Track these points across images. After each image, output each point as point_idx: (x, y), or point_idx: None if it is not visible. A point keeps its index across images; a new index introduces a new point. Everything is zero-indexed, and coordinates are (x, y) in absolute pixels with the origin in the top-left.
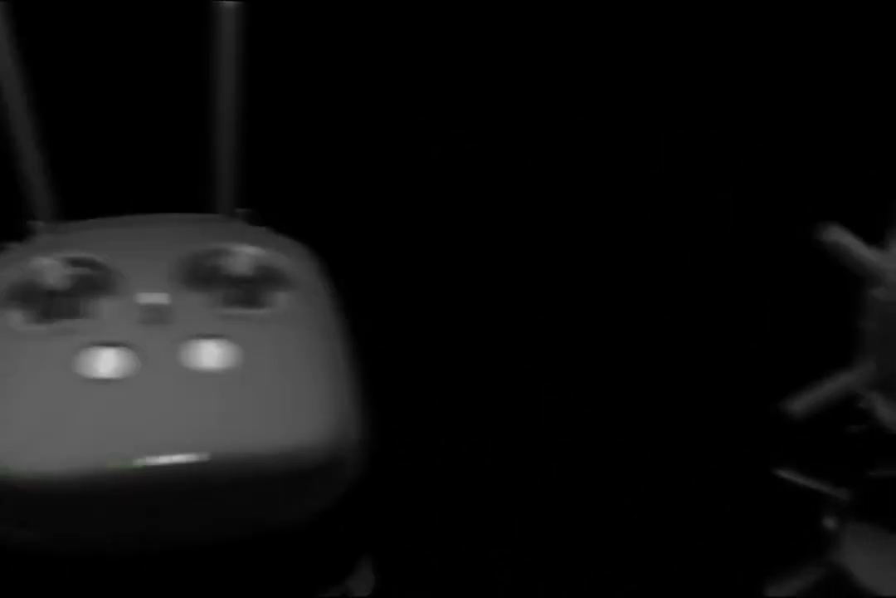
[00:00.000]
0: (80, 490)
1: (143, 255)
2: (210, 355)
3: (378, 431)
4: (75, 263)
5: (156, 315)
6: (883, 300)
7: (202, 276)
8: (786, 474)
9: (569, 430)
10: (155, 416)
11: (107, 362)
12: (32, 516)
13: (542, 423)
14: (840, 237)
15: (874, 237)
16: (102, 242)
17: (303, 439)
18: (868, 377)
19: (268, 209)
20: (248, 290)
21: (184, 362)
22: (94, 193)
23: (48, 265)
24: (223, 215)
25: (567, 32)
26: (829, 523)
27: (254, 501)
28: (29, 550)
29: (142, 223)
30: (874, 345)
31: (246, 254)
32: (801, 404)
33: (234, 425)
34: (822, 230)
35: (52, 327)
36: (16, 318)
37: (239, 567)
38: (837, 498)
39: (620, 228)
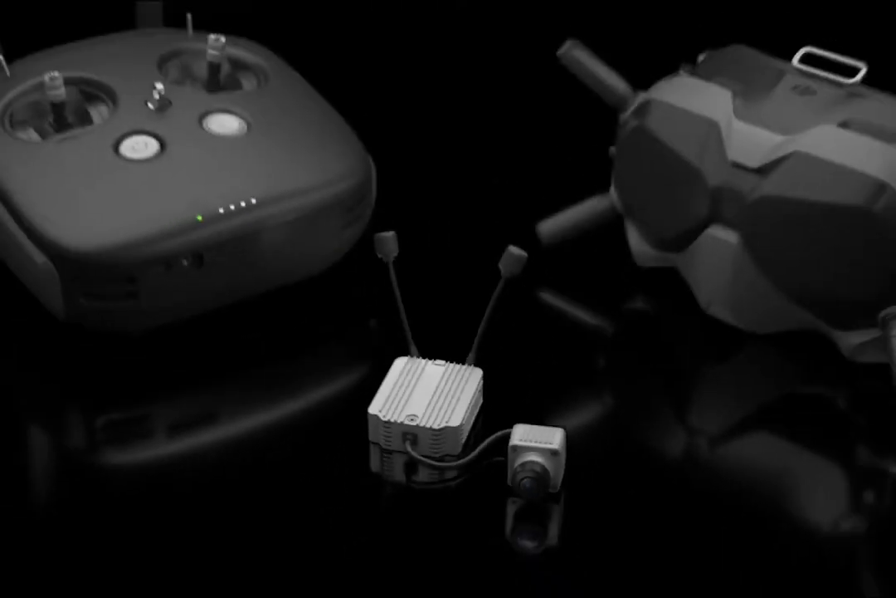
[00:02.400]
0: (159, 250)
1: (123, 65)
2: (224, 125)
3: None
4: (69, 81)
5: (164, 103)
6: (625, 125)
7: (180, 73)
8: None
9: None
10: (199, 179)
11: (139, 146)
12: (105, 286)
13: None
14: (584, 58)
15: None
16: (81, 61)
17: (334, 170)
18: (614, 202)
19: None
20: (223, 77)
21: (205, 133)
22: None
23: (48, 82)
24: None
25: None
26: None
27: (309, 240)
28: (117, 325)
29: (102, 43)
30: (619, 169)
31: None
32: (549, 226)
33: (269, 174)
34: (565, 49)
35: (73, 132)
36: (31, 134)
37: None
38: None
39: None
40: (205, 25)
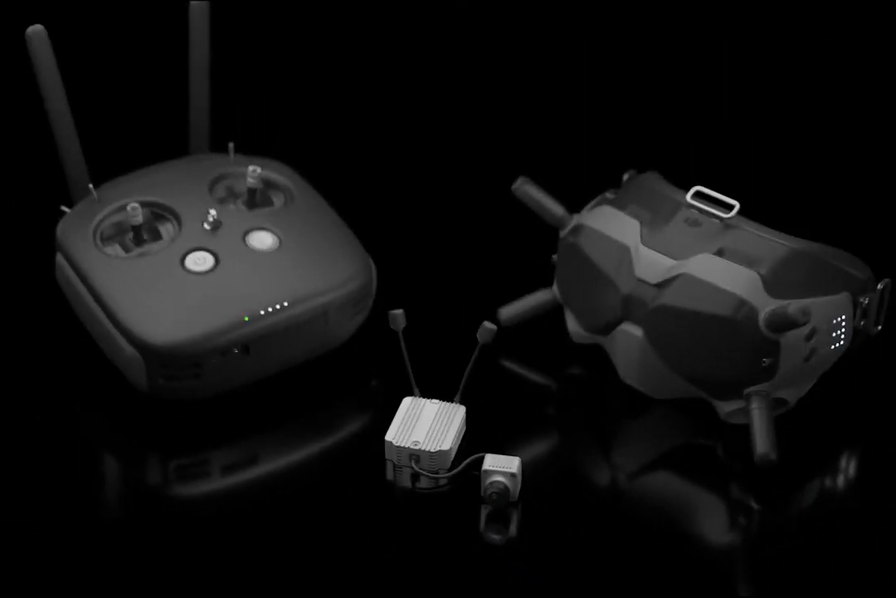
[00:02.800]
0: (217, 343)
1: (183, 188)
2: (262, 241)
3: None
4: (143, 205)
5: (216, 224)
6: (563, 240)
7: (225, 192)
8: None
9: None
10: (245, 288)
11: (199, 260)
12: (178, 370)
13: None
14: (532, 191)
15: None
16: (151, 186)
17: (345, 274)
18: (556, 296)
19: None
20: (258, 195)
21: (247, 249)
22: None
23: (130, 210)
24: (206, 153)
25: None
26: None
27: (327, 328)
28: (186, 396)
29: (165, 169)
30: (559, 273)
31: (247, 172)
32: (507, 311)
33: (296, 281)
34: (518, 184)
35: (149, 248)
36: (117, 249)
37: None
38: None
39: None
40: (237, 141)
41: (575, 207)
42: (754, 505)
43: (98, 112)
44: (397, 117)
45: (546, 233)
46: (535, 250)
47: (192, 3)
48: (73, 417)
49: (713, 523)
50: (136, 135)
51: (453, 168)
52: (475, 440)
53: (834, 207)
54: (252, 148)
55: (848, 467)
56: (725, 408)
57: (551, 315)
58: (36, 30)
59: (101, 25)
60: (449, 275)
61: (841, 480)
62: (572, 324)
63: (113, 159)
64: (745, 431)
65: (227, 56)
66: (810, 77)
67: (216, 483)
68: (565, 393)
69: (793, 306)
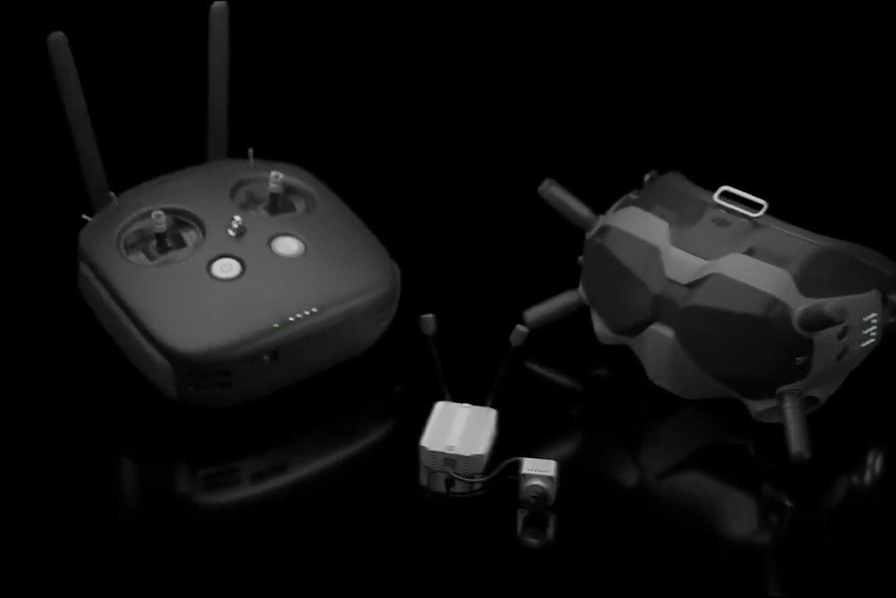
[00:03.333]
0: (247, 350)
1: (204, 195)
2: (287, 247)
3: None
4: (166, 212)
5: (241, 230)
6: (589, 242)
7: (247, 198)
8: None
9: None
10: (273, 294)
11: (226, 267)
12: (207, 378)
13: None
14: (558, 193)
15: None
16: (173, 193)
17: (371, 279)
18: (583, 297)
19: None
20: (280, 200)
21: (273, 255)
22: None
23: (154, 218)
24: (224, 158)
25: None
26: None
27: (353, 333)
28: (214, 404)
29: (186, 176)
30: (585, 274)
31: (269, 178)
32: (533, 313)
33: (323, 287)
34: (544, 186)
35: (174, 255)
36: (140, 257)
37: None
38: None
39: None
40: (254, 147)
41: (597, 208)
42: (787, 503)
43: (116, 119)
44: (419, 121)
45: (571, 234)
46: (561, 252)
47: (214, 4)
48: (101, 425)
49: (745, 522)
50: (152, 142)
51: (477, 171)
52: (503, 443)
53: (861, 205)
54: (268, 153)
55: (878, 464)
56: (757, 407)
57: (577, 317)
58: (57, 37)
59: (121, 34)
60: (474, 278)
61: (871, 477)
62: (598, 325)
63: (130, 167)
64: (775, 429)
65: (246, 62)
66: (837, 76)
67: (245, 491)
68: (592, 395)
69: (829, 304)
